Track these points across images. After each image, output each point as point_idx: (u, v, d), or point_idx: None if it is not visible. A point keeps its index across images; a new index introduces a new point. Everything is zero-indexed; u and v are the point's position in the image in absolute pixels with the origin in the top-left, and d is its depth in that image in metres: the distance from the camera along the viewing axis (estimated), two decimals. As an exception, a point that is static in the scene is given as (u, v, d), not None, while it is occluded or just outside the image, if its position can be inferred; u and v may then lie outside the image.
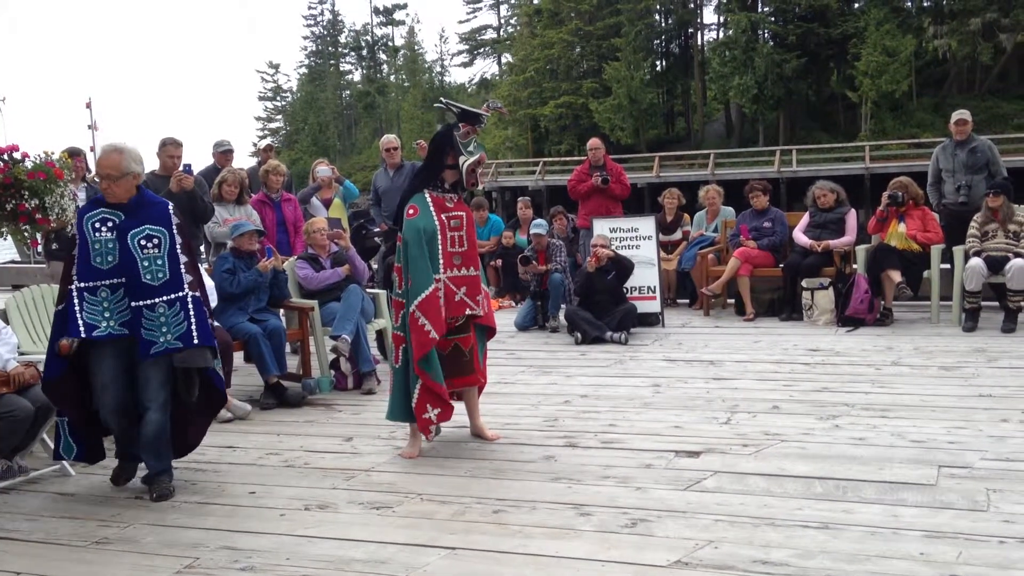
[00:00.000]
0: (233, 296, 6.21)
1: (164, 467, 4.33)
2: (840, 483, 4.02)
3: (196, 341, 4.16)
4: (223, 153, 8.39)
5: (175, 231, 4.22)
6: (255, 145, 62.92)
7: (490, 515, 3.86)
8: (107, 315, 4.06)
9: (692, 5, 51.05)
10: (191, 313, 4.17)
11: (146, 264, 4.10)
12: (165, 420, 4.25)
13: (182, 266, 4.19)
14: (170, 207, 4.30)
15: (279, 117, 76.19)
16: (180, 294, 4.15)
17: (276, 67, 76.29)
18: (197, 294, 4.21)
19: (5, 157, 5.19)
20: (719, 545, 3.42)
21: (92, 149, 10.58)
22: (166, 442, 4.31)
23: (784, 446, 4.60)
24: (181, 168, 7.01)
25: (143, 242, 4.12)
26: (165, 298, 4.11)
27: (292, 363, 6.76)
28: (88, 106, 24.12)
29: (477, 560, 3.41)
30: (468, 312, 4.73)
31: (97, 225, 4.10)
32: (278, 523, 3.89)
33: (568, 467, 4.44)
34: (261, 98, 76.02)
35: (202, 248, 7.48)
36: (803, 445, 4.60)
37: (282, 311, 6.78)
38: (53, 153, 5.54)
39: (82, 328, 4.02)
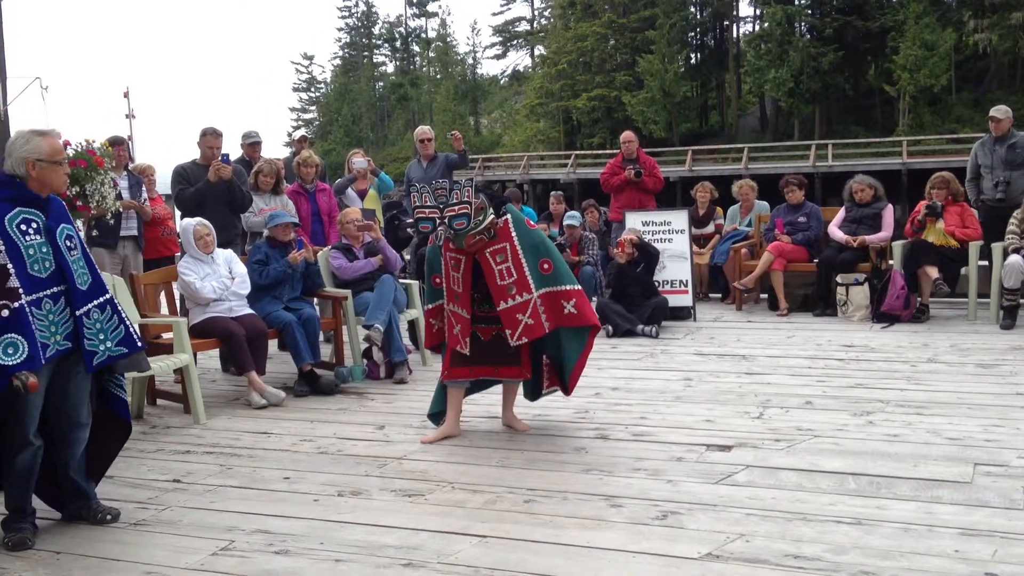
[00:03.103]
0: (265, 286, 6.27)
1: (92, 488, 3.95)
2: (874, 479, 3.99)
3: (140, 344, 3.91)
4: (251, 144, 8.46)
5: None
6: (290, 135, 63.33)
7: (521, 504, 3.88)
8: (53, 330, 3.60)
9: (727, -3, 50.61)
10: (123, 315, 3.85)
11: (74, 267, 3.69)
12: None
13: (96, 266, 3.86)
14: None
15: (313, 108, 76.64)
16: (107, 296, 3.80)
17: (311, 58, 76.84)
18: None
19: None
20: (750, 539, 3.41)
21: (130, 138, 10.70)
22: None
23: (817, 442, 4.57)
24: (220, 158, 7.08)
25: (68, 243, 3.70)
26: (95, 303, 3.73)
27: (325, 352, 6.82)
28: (126, 95, 24.46)
29: (508, 549, 3.43)
30: (459, 350, 4.83)
31: (23, 228, 3.59)
32: (312, 508, 3.94)
33: (599, 459, 4.45)
34: (295, 89, 76.59)
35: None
36: (836, 441, 4.57)
37: (316, 300, 6.85)
38: (94, 141, 5.64)
39: (39, 353, 3.51)
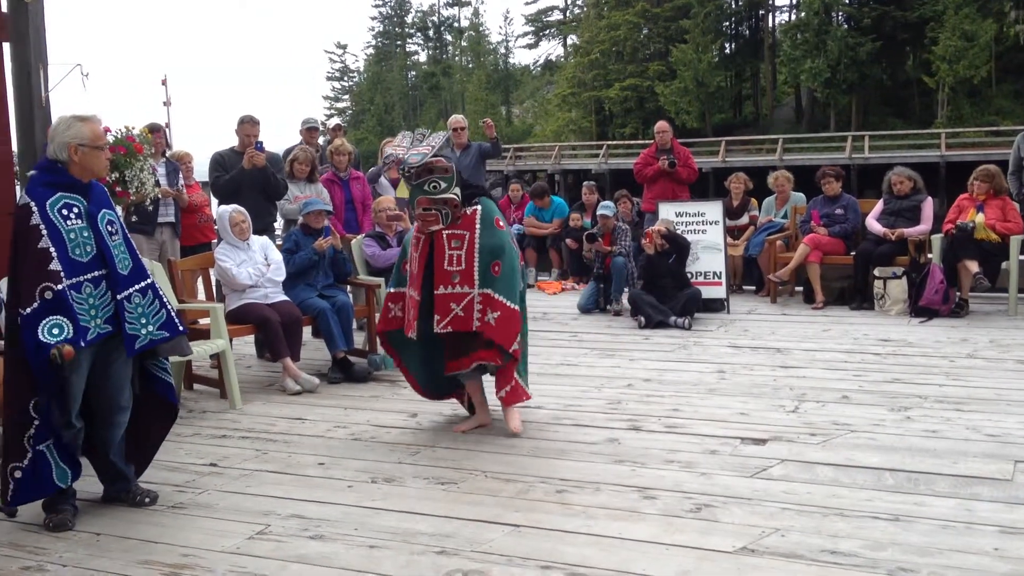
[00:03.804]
0: (293, 273, 6.29)
1: (131, 471, 4.01)
2: (912, 475, 3.94)
3: (181, 328, 3.92)
4: (308, 130, 8.56)
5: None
6: (323, 124, 63.65)
7: (553, 494, 3.88)
8: (93, 313, 3.63)
9: (763, -14, 50.02)
10: (164, 300, 3.88)
11: (116, 252, 3.72)
12: None
13: (137, 251, 3.90)
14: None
15: (346, 97, 76.95)
16: (148, 281, 3.83)
17: (344, 47, 77.15)
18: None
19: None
20: (786, 533, 3.38)
21: (167, 125, 10.82)
22: None
23: (854, 436, 4.52)
24: (254, 146, 7.12)
25: (109, 228, 3.74)
26: (136, 287, 3.76)
27: (359, 339, 6.86)
28: (164, 83, 24.74)
29: (541, 538, 3.43)
30: (408, 335, 4.75)
31: (64, 212, 3.63)
32: (346, 494, 3.97)
33: (632, 450, 4.44)
34: (329, 78, 76.94)
35: (276, 225, 7.62)
36: (873, 436, 4.52)
37: (349, 287, 6.88)
38: (133, 128, 5.70)
39: (81, 335, 3.55)
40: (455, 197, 4.63)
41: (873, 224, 8.27)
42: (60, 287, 3.54)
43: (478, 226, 4.66)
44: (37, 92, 5.61)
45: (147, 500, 3.92)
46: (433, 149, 4.63)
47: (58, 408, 3.64)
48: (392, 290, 4.93)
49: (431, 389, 5.09)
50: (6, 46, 5.74)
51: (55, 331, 3.51)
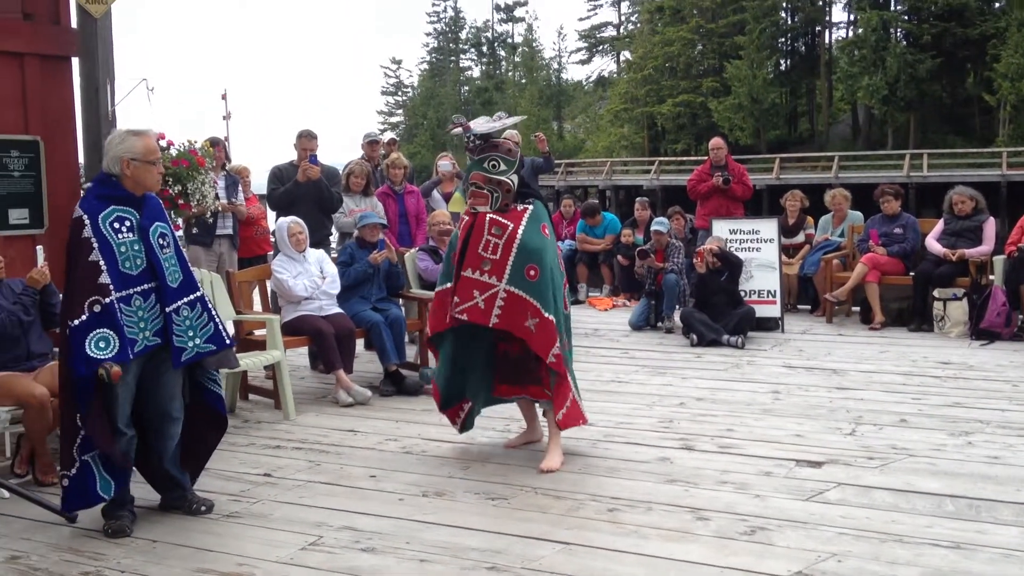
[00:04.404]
0: (347, 286, 6.36)
1: (187, 479, 4.07)
2: (973, 502, 3.84)
3: (228, 341, 3.95)
4: (369, 143, 8.69)
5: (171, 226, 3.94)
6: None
7: (605, 513, 3.85)
8: (142, 325, 3.68)
9: (820, 2, 49.44)
10: (213, 313, 3.91)
11: (166, 265, 3.76)
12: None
13: (189, 264, 3.95)
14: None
15: (400, 112, 77.73)
16: (198, 293, 3.87)
17: (399, 63, 77.92)
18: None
19: (152, 145, 5.45)
20: (843, 559, 3.31)
21: (227, 139, 11.00)
22: None
23: (913, 461, 4.42)
24: (308, 159, 7.21)
25: (160, 241, 3.78)
26: (185, 300, 3.79)
27: (411, 352, 6.90)
28: (224, 97, 25.28)
29: (592, 557, 3.41)
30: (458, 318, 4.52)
31: (116, 225, 3.68)
32: (397, 507, 3.99)
33: (684, 470, 4.39)
34: (383, 93, 77.79)
35: (331, 238, 7.72)
36: (933, 461, 4.41)
37: (402, 301, 6.92)
38: (196, 141, 5.82)
39: (128, 348, 3.61)
40: (510, 183, 4.54)
41: (933, 244, 8.10)
42: (108, 300, 3.61)
43: (524, 223, 4.52)
44: (104, 106, 5.75)
45: (203, 508, 3.98)
46: (505, 126, 4.62)
47: (99, 419, 3.65)
48: (440, 288, 4.69)
49: (443, 399, 4.81)
50: (75, 61, 5.90)
51: (102, 344, 3.57)
